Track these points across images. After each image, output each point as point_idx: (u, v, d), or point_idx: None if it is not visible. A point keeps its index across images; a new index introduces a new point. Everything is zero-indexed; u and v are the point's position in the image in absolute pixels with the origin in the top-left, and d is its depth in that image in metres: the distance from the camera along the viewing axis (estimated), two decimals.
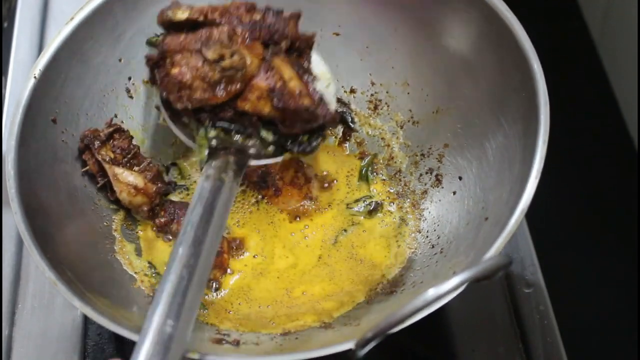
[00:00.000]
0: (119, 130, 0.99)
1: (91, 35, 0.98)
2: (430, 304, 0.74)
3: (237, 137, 0.89)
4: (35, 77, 0.93)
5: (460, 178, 0.98)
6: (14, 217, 0.86)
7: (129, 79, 1.03)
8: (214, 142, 0.88)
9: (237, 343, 0.88)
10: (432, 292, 0.74)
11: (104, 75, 1.01)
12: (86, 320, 1.00)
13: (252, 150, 0.90)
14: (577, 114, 1.29)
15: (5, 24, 1.30)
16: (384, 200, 1.03)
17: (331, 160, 1.06)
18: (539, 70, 0.89)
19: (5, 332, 0.99)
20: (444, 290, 0.73)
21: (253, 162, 0.90)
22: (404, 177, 1.04)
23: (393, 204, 1.03)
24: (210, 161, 0.87)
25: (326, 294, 0.96)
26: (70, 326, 1.00)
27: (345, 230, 1.01)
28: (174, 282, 0.76)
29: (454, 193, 0.98)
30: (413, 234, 0.99)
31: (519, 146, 0.89)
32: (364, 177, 1.05)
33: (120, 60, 1.02)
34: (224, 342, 0.88)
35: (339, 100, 1.07)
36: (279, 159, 0.92)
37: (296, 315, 0.94)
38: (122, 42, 1.01)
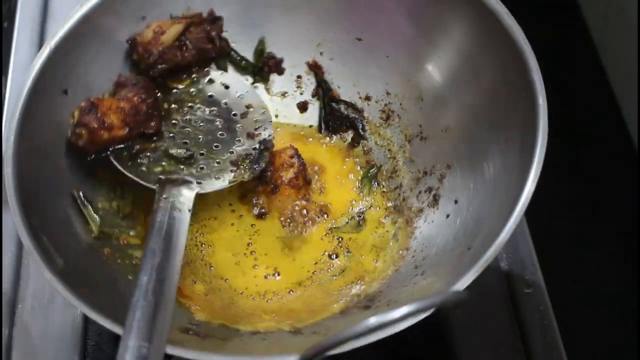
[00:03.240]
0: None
1: (114, 12, 0.98)
2: (371, 332, 0.72)
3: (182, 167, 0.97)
4: (50, 47, 0.93)
5: (455, 201, 0.96)
6: (12, 214, 0.85)
7: None
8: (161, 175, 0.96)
9: (204, 336, 0.88)
10: (373, 320, 0.71)
11: (122, 54, 1.01)
12: (86, 320, 1.00)
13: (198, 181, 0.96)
14: (577, 114, 1.29)
15: (5, 24, 1.30)
16: (372, 206, 1.02)
17: (339, 163, 1.07)
18: (540, 83, 0.88)
19: (5, 332, 0.99)
20: (386, 319, 0.71)
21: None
22: (403, 192, 1.03)
23: (388, 217, 1.02)
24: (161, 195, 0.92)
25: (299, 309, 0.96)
26: (70, 326, 1.00)
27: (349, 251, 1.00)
28: (143, 307, 0.78)
29: (447, 216, 0.97)
30: (401, 251, 0.99)
31: (514, 177, 0.87)
32: (366, 186, 1.04)
33: None
34: (191, 332, 0.88)
35: (353, 106, 1.07)
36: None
37: (267, 317, 0.94)
38: (144, 24, 1.00)
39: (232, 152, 1.00)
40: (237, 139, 1.01)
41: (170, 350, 0.78)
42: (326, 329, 0.91)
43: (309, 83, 1.09)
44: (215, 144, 1.01)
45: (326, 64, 1.08)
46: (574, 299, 1.11)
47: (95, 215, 0.95)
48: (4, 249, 1.04)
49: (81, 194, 0.95)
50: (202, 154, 0.99)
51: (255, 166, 0.98)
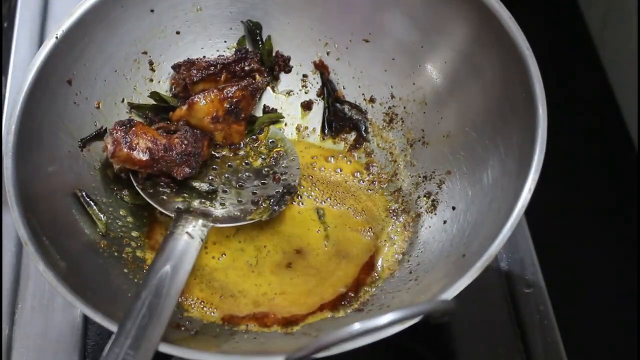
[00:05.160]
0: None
1: (121, 3, 0.99)
2: (355, 338, 0.73)
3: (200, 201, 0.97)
4: (57, 37, 0.94)
5: (453, 208, 0.96)
6: (10, 209, 0.85)
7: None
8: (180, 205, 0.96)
9: (195, 332, 0.88)
10: (357, 327, 0.72)
11: (128, 46, 1.01)
12: (86, 320, 1.00)
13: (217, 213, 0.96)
14: (577, 114, 1.29)
15: (5, 24, 1.30)
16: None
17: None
18: (541, 96, 0.88)
19: (5, 332, 0.99)
20: (370, 326, 0.72)
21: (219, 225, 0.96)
22: (402, 196, 1.03)
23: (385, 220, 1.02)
24: (177, 222, 0.92)
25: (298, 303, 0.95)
26: (70, 326, 1.00)
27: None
28: (137, 319, 0.80)
29: (445, 222, 0.97)
30: (397, 255, 0.99)
31: (511, 186, 0.87)
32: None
33: (147, 32, 1.02)
34: (182, 328, 0.89)
35: (357, 107, 1.07)
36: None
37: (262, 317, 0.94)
38: (152, 16, 1.01)
39: (255, 193, 1.00)
40: (262, 181, 1.01)
41: (162, 348, 0.78)
42: (317, 330, 0.91)
43: (315, 82, 1.09)
44: (240, 183, 1.01)
45: (332, 64, 1.08)
46: (574, 299, 1.11)
47: (101, 215, 0.96)
48: (4, 249, 1.05)
49: (84, 193, 0.95)
50: (225, 191, 1.00)
51: (275, 207, 0.98)
